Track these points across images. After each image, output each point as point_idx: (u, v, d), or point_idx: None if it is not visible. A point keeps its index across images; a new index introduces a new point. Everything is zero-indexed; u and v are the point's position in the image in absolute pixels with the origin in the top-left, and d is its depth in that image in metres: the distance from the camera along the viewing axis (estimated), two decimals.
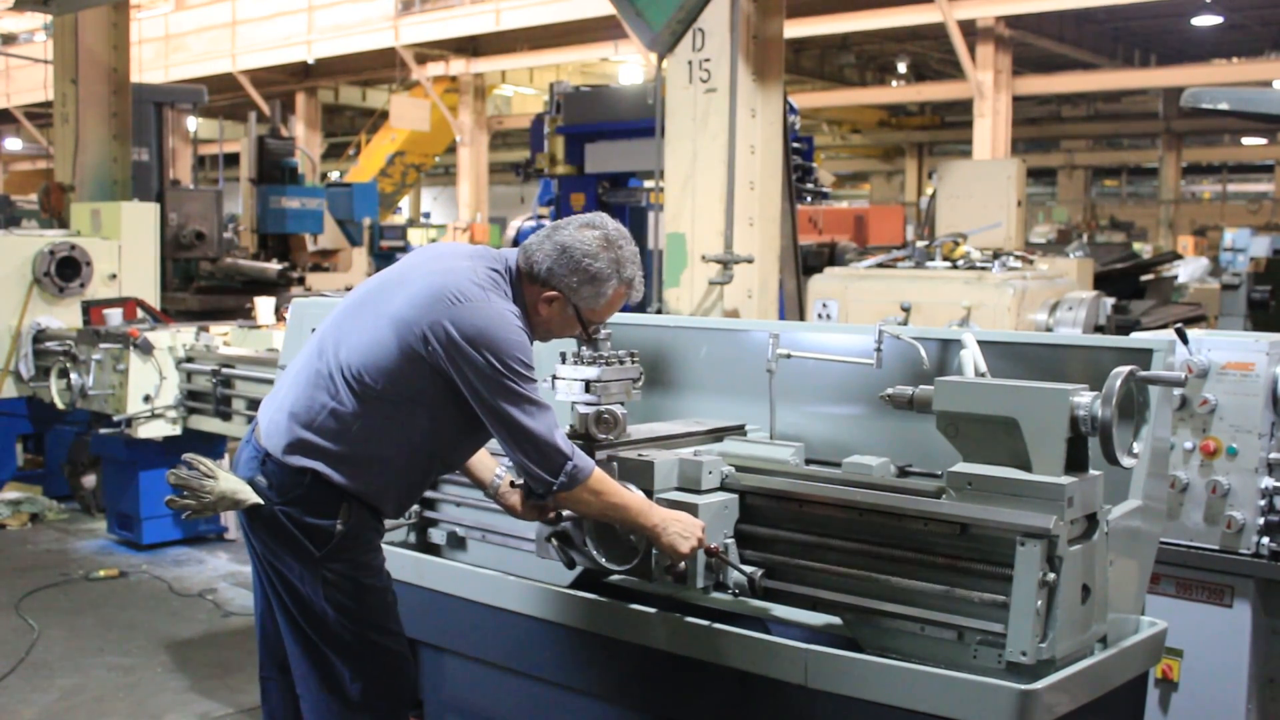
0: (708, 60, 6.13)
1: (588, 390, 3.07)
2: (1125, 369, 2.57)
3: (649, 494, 2.90)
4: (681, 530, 2.79)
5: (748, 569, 2.86)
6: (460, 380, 2.72)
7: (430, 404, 2.80)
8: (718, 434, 3.47)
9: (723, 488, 2.96)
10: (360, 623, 2.87)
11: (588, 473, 2.76)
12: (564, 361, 3.13)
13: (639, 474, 2.93)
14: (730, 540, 2.91)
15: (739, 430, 3.56)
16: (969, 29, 18.60)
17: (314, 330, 4.17)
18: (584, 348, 3.14)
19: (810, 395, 3.65)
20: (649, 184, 8.91)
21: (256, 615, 3.10)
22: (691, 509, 2.84)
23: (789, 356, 3.52)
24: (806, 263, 8.69)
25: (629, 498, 2.82)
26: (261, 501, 2.80)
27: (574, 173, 9.55)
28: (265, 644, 3.09)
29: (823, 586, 2.79)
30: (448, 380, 2.74)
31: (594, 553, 2.97)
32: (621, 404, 3.12)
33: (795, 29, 16.74)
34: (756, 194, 6.21)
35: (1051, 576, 2.44)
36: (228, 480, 2.81)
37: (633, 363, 3.16)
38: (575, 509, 2.85)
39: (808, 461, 3.39)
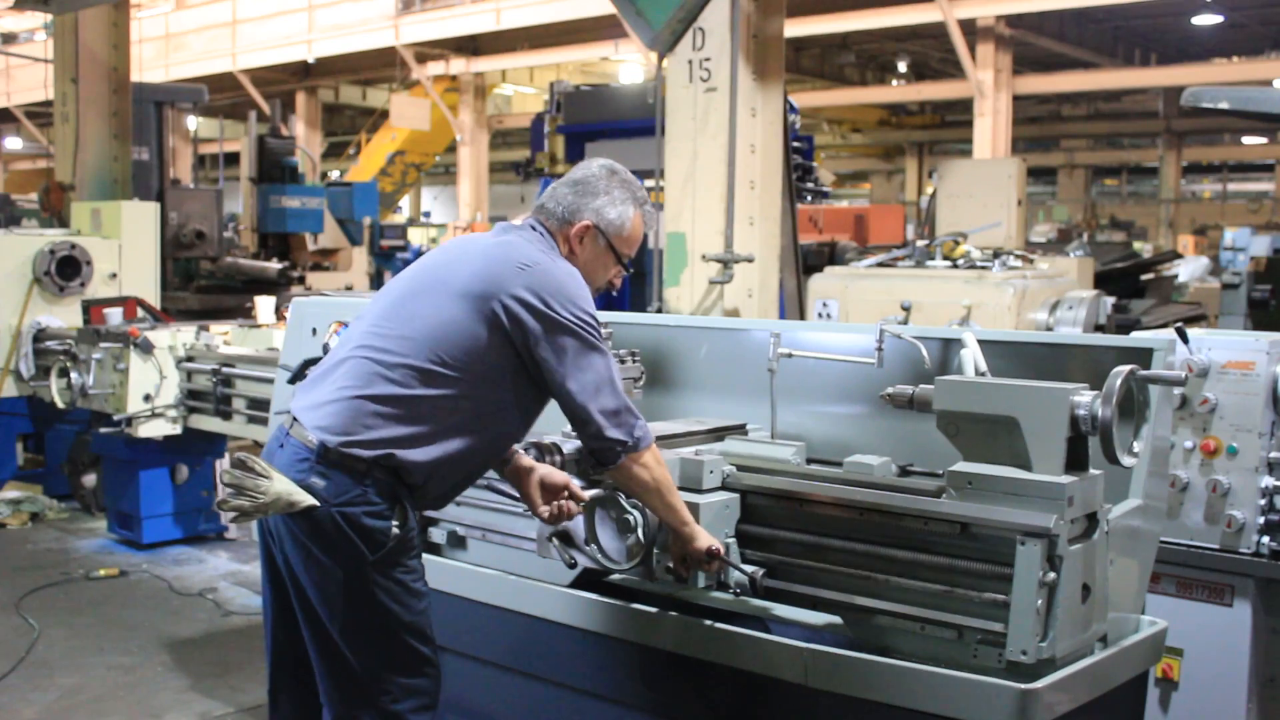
0: (708, 59, 6.13)
1: None
2: (1125, 368, 2.57)
3: None
4: (708, 537, 2.82)
5: (749, 568, 2.86)
6: (537, 342, 2.70)
7: (507, 375, 2.76)
8: (719, 433, 3.47)
9: (724, 487, 2.96)
10: (405, 630, 2.78)
11: (650, 439, 2.76)
12: None
13: None
14: (731, 540, 2.91)
15: (740, 429, 3.56)
16: (969, 28, 18.58)
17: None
18: None
19: (811, 394, 3.65)
20: (649, 183, 8.88)
21: (267, 624, 2.99)
22: (693, 508, 2.84)
23: (790, 356, 3.52)
24: (807, 262, 8.68)
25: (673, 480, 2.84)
26: (317, 503, 2.68)
27: None
28: (277, 654, 2.98)
29: (823, 586, 2.79)
30: (520, 349, 2.73)
31: (595, 552, 2.97)
32: None
33: (795, 28, 16.73)
34: (756, 193, 6.20)
35: (1051, 576, 2.44)
36: (281, 482, 2.68)
37: (633, 362, 3.16)
38: (630, 483, 2.78)
39: (809, 461, 3.38)
